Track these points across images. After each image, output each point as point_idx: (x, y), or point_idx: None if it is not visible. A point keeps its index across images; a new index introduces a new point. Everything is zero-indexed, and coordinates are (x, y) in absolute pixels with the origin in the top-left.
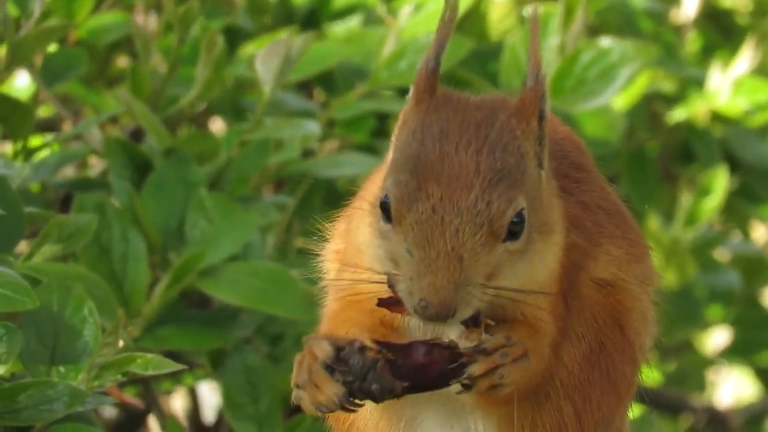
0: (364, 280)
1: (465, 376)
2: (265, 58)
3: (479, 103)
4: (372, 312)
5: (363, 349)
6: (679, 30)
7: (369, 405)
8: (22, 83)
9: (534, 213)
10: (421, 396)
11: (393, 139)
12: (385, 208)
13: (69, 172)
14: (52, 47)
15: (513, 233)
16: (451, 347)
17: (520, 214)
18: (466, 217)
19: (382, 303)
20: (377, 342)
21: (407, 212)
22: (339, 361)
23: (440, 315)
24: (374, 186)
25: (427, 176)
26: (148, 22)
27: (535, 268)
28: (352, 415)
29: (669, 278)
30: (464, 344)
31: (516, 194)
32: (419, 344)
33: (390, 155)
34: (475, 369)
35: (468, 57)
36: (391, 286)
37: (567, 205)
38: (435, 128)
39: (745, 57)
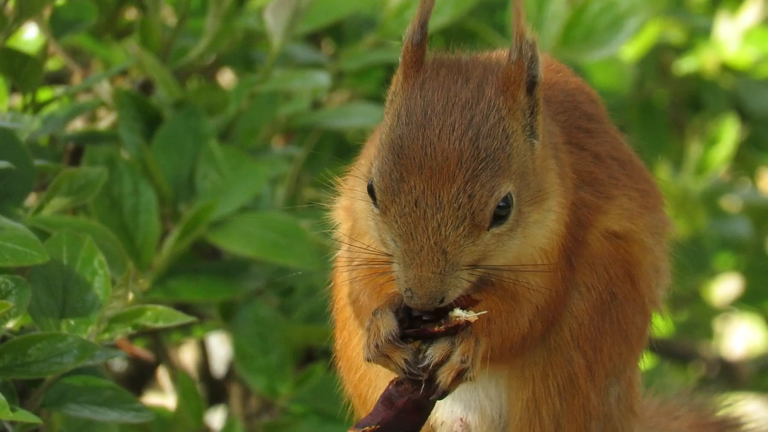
0: (370, 258)
1: (440, 389)
2: (274, 10)
3: (469, 72)
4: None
5: None
6: None
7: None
8: (30, 36)
9: (525, 187)
10: None
11: (386, 106)
12: (372, 193)
13: (78, 125)
14: (61, 0)
15: (499, 217)
16: (405, 373)
17: (505, 199)
18: (448, 211)
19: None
20: (355, 426)
21: (391, 204)
22: None
23: (427, 304)
24: (370, 151)
25: (409, 167)
26: None
27: (531, 239)
28: (363, 368)
29: (679, 228)
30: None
31: (499, 182)
32: (380, 399)
33: (383, 125)
34: (445, 379)
35: (476, 7)
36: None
37: (579, 160)
38: (419, 111)
39: (754, 6)
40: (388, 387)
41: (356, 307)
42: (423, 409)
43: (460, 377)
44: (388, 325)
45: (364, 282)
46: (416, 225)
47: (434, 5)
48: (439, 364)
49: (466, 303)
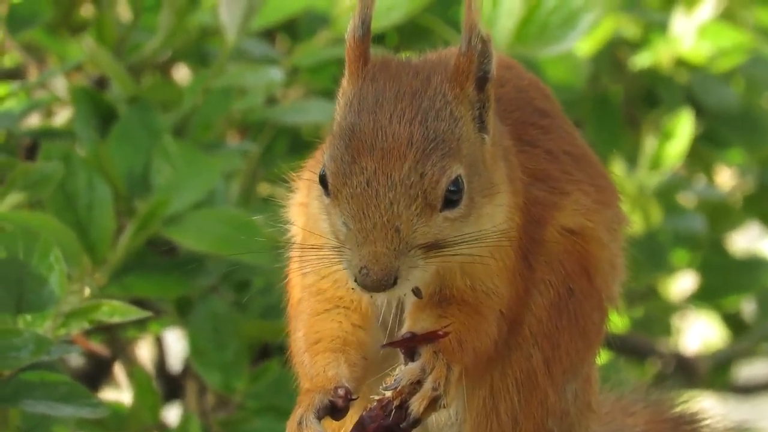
0: (320, 256)
1: (411, 418)
2: (228, 6)
3: (419, 67)
4: (337, 303)
5: None
6: None
7: None
8: None
9: (476, 177)
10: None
11: (337, 102)
12: (323, 182)
13: (34, 120)
14: None
15: (451, 201)
16: (378, 401)
17: (456, 182)
18: (399, 189)
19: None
20: None
21: (342, 186)
22: None
23: (381, 282)
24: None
25: (361, 150)
26: None
27: (484, 230)
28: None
29: (634, 223)
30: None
31: (450, 163)
32: (354, 426)
33: (335, 119)
34: (417, 407)
35: (431, 3)
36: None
37: (531, 157)
38: (370, 99)
39: (709, 2)
40: (361, 413)
41: (299, 308)
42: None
43: (432, 405)
44: None
45: (310, 288)
46: (368, 204)
47: (375, 1)
48: (411, 392)
49: (431, 337)
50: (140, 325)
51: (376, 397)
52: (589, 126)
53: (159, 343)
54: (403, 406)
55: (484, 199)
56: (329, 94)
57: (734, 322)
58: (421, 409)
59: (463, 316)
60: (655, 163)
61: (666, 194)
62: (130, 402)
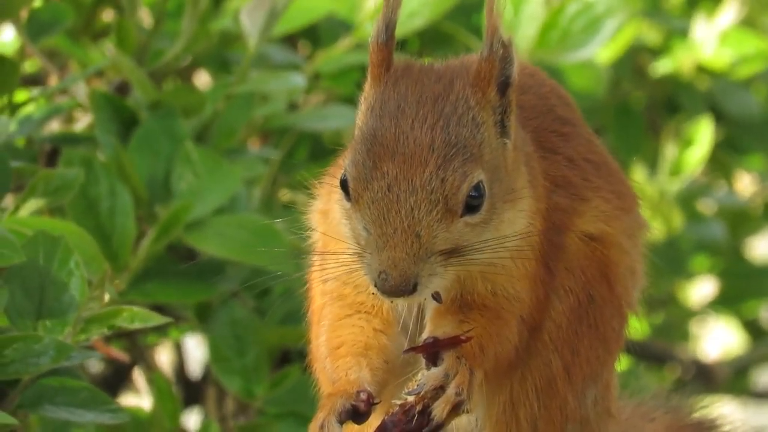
0: (341, 262)
1: (434, 423)
2: (250, 12)
3: (441, 72)
4: (359, 308)
5: None
6: None
7: None
8: (7, 38)
9: (498, 182)
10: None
11: (359, 107)
12: (344, 187)
13: (55, 126)
14: (38, 1)
15: (472, 207)
16: (400, 406)
17: (477, 188)
18: (421, 194)
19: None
20: None
21: (363, 191)
22: None
23: (400, 288)
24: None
25: (382, 155)
26: None
27: (505, 237)
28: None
29: (655, 229)
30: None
31: (471, 168)
32: (376, 430)
33: (357, 124)
34: (440, 413)
35: (453, 10)
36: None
37: (552, 164)
38: (392, 104)
39: (731, 8)
40: (383, 418)
41: (321, 314)
42: None
43: (456, 410)
44: None
45: (332, 294)
46: (389, 209)
47: (399, 6)
48: (434, 397)
49: (453, 342)
50: (160, 330)
51: (399, 402)
52: (610, 132)
53: (179, 349)
54: (425, 411)
55: (506, 205)
56: (351, 100)
57: (753, 328)
58: (444, 414)
59: (484, 321)
60: (676, 170)
61: (686, 200)
62: (150, 408)
